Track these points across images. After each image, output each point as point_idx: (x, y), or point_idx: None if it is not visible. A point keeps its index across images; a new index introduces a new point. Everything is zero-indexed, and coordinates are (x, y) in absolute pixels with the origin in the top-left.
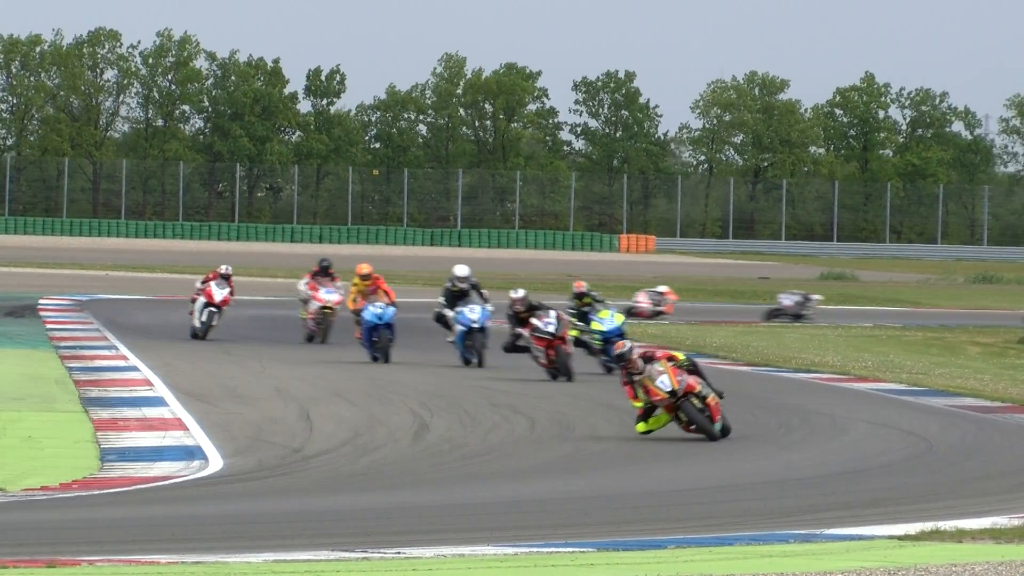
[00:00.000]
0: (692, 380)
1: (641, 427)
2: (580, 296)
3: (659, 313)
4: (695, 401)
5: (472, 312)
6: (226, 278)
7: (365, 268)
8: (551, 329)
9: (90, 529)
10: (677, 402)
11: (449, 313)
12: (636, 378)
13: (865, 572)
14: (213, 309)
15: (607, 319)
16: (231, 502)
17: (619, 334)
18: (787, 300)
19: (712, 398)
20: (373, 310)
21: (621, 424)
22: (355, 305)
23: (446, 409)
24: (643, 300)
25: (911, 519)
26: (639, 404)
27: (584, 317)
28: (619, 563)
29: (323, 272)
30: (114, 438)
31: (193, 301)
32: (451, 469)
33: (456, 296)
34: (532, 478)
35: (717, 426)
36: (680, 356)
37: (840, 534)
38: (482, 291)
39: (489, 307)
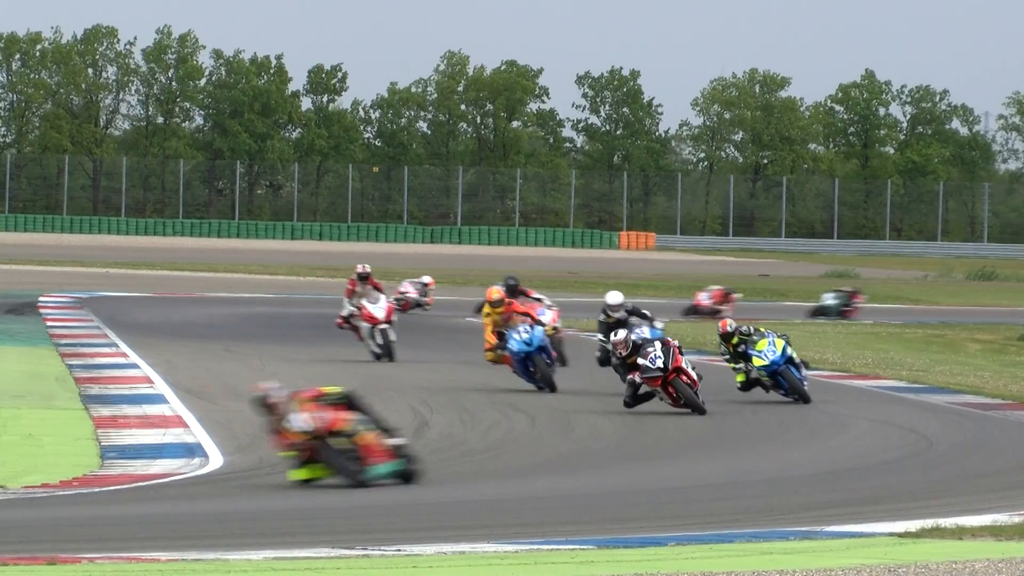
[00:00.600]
0: (336, 417)
1: (297, 474)
2: (728, 337)
3: (420, 305)
4: (339, 441)
5: (771, 353)
6: (364, 278)
7: (495, 293)
8: (659, 364)
9: (91, 527)
10: (315, 443)
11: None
12: (281, 424)
13: (866, 569)
14: (383, 327)
15: (767, 350)
16: (231, 500)
17: (787, 360)
18: (409, 289)
19: (366, 436)
20: (518, 338)
21: (621, 422)
22: (494, 338)
23: (446, 406)
24: (408, 290)
25: (911, 516)
26: (289, 454)
27: (744, 356)
28: (620, 560)
29: (513, 293)
30: (114, 435)
31: (342, 327)
32: (451, 466)
33: (614, 328)
34: (532, 476)
35: (378, 469)
36: (331, 390)
37: (841, 531)
38: (643, 312)
39: (659, 324)
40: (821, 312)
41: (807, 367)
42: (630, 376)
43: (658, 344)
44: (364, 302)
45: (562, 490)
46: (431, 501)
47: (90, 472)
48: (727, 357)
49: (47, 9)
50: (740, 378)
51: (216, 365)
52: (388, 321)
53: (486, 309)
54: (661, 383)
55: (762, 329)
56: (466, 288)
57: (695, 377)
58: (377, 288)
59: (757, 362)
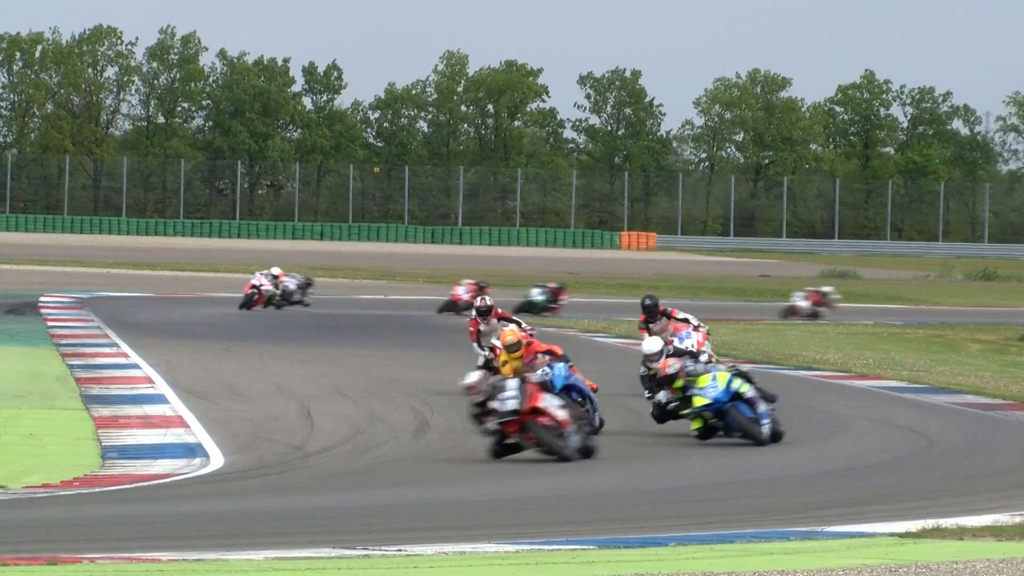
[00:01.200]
0: None
1: None
2: (669, 381)
3: (272, 299)
4: None
5: (712, 389)
6: (486, 313)
7: (509, 336)
8: (512, 407)
9: (91, 527)
10: None
11: (664, 397)
12: None
13: (866, 569)
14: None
15: (709, 385)
16: (232, 500)
17: (735, 395)
18: (264, 282)
19: None
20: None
21: (622, 422)
22: None
23: (447, 406)
24: (263, 283)
25: (912, 516)
26: None
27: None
28: (620, 561)
29: (653, 314)
30: (115, 436)
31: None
32: (451, 466)
33: (659, 381)
34: (533, 476)
35: None
36: None
37: (841, 531)
38: (687, 349)
39: (704, 357)
40: (527, 308)
41: (771, 401)
42: (486, 423)
43: (514, 383)
44: (495, 340)
45: (562, 490)
46: (432, 501)
47: (91, 472)
48: (676, 406)
49: (48, 9)
50: (696, 425)
51: (216, 365)
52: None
53: (502, 356)
54: (518, 427)
55: (716, 359)
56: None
57: (560, 417)
58: (504, 319)
59: (698, 401)
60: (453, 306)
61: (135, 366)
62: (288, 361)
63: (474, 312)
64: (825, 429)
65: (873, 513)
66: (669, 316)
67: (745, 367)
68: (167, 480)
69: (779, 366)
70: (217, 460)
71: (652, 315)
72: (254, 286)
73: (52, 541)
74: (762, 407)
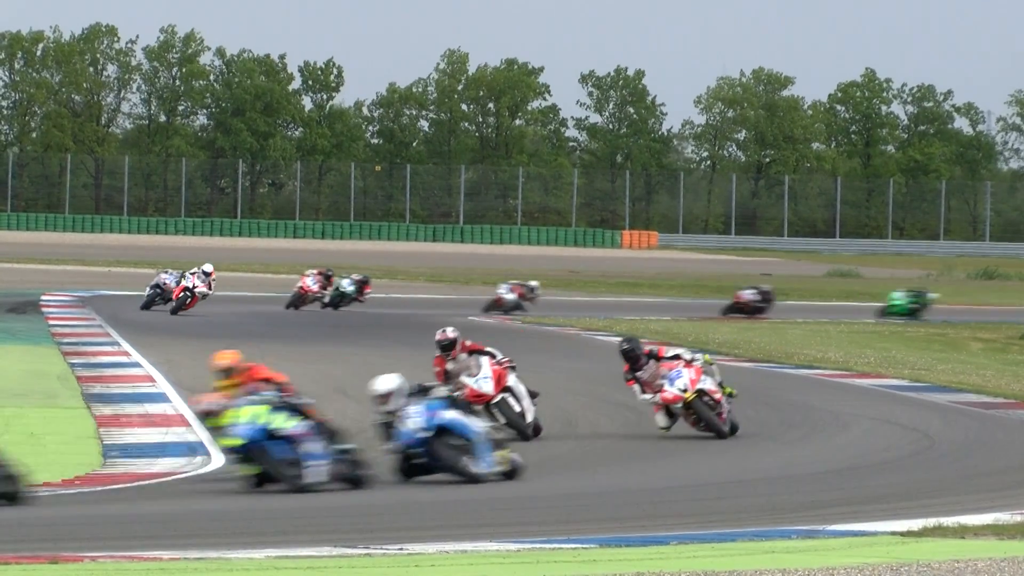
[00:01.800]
0: None
1: None
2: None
3: (196, 297)
4: None
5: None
6: (450, 347)
7: (225, 359)
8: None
9: (92, 525)
10: None
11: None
12: None
13: (868, 568)
14: (498, 399)
15: (233, 423)
16: (233, 498)
17: (269, 433)
18: (198, 283)
19: None
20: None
21: (623, 421)
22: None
23: None
24: (198, 285)
25: (913, 515)
26: None
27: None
28: (622, 559)
29: (635, 360)
30: (116, 434)
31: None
32: None
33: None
34: (534, 474)
35: None
36: None
37: (842, 530)
38: (427, 384)
39: (442, 392)
40: (337, 299)
41: (332, 436)
42: None
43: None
44: (464, 379)
45: (563, 489)
46: (433, 500)
47: (92, 471)
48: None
49: (49, 8)
50: (248, 469)
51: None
52: (506, 389)
53: (214, 383)
54: None
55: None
56: (468, 288)
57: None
58: (475, 351)
59: (226, 442)
60: (301, 299)
61: (136, 364)
62: (290, 360)
63: (437, 349)
64: (826, 428)
65: (875, 512)
66: (657, 357)
67: (747, 365)
68: (168, 479)
69: (780, 365)
70: (218, 459)
71: (635, 362)
72: (186, 288)
73: (53, 540)
74: (312, 446)
